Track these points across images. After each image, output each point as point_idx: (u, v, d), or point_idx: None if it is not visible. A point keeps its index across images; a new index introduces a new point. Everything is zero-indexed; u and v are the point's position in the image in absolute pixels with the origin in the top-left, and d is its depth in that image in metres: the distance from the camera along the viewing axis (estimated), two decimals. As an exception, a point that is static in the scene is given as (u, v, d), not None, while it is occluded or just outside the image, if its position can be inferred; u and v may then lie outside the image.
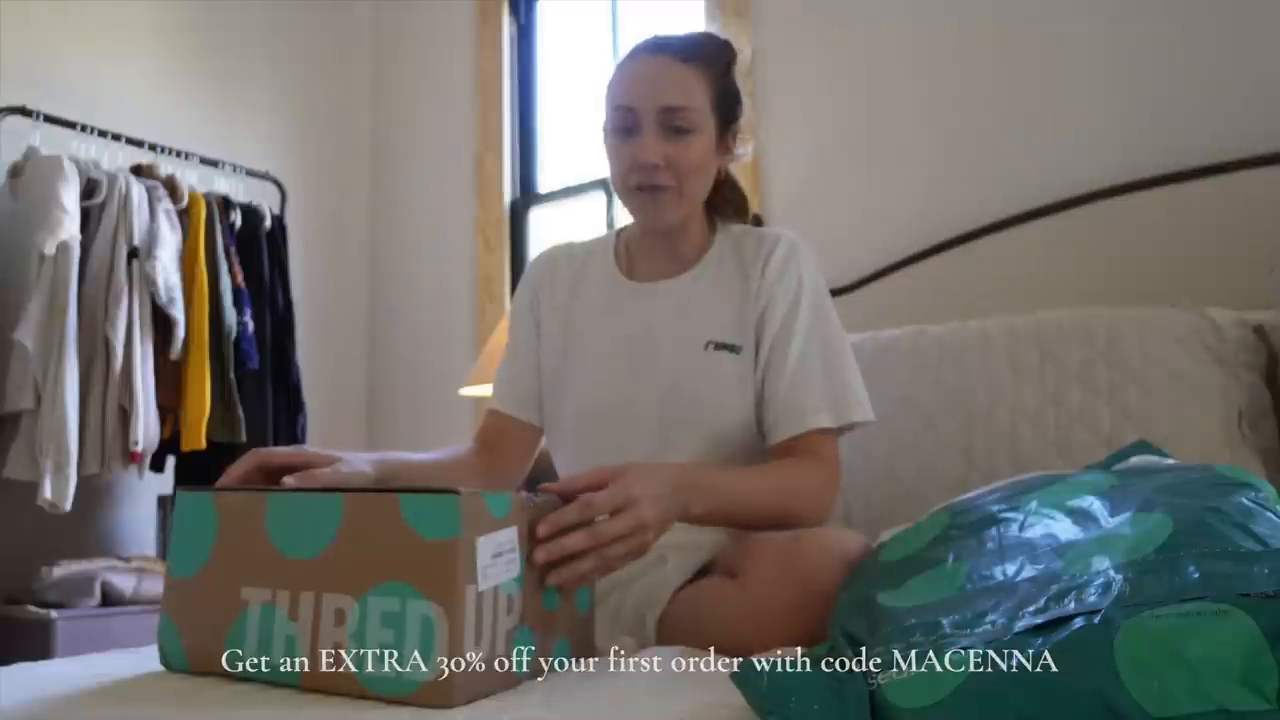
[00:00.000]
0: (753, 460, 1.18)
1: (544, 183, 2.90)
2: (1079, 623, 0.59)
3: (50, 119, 2.30)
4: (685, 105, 1.13)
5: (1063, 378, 1.43)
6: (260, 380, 2.52)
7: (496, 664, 0.75)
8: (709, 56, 1.18)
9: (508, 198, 2.87)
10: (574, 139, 2.84)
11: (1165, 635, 0.55)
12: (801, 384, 1.15)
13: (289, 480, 0.93)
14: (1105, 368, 1.40)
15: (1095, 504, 0.78)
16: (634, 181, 1.16)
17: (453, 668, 0.70)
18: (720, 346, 1.18)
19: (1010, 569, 0.71)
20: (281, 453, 0.99)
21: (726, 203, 1.31)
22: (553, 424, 1.28)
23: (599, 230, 1.37)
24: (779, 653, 0.85)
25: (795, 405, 1.14)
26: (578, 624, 0.91)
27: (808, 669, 0.67)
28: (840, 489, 1.18)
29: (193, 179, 2.51)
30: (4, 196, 2.25)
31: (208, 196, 2.47)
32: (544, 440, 1.33)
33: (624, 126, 1.15)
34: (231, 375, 2.40)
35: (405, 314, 3.09)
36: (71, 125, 2.32)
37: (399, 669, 0.71)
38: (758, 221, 2.21)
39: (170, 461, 2.41)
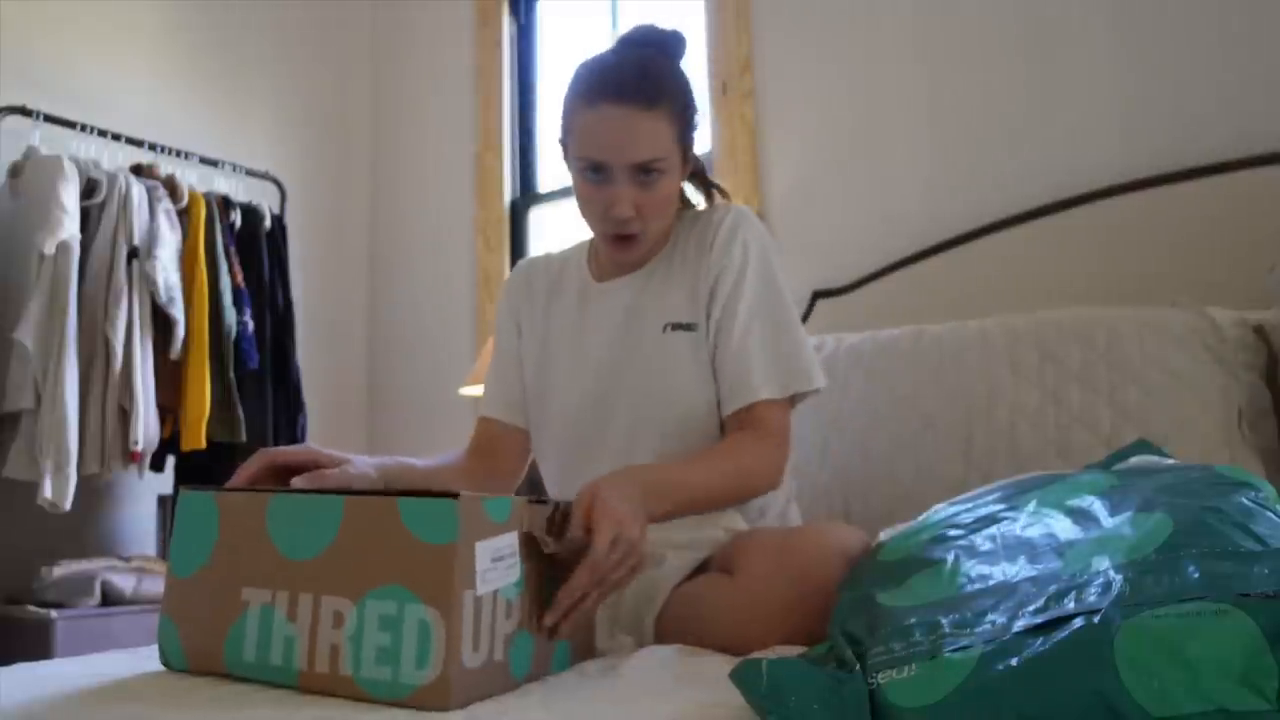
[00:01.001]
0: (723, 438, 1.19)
1: (544, 182, 2.90)
2: (1079, 622, 0.59)
3: (50, 119, 2.30)
4: (656, 156, 1.12)
5: (1062, 377, 1.43)
6: (260, 380, 2.52)
7: (494, 668, 0.75)
8: (672, 90, 1.14)
9: (507, 197, 2.87)
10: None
11: (1165, 635, 0.55)
12: (747, 356, 1.15)
13: (297, 481, 0.93)
14: (1105, 367, 1.40)
15: (1095, 504, 0.78)
16: (607, 229, 1.17)
17: (449, 672, 0.70)
18: (677, 327, 1.20)
19: (1010, 569, 0.71)
20: (289, 452, 1.00)
21: (695, 185, 1.32)
22: (537, 430, 1.31)
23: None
24: (778, 651, 0.85)
25: (742, 378, 1.15)
26: (578, 628, 0.91)
27: (807, 668, 0.67)
28: (790, 453, 1.18)
29: (192, 179, 2.51)
30: (4, 196, 2.25)
31: (207, 196, 2.47)
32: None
33: (594, 168, 1.14)
34: (231, 375, 2.40)
35: (405, 314, 3.09)
36: (71, 125, 2.32)
37: (395, 672, 0.71)
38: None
39: (170, 461, 2.41)
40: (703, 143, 1.28)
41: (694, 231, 1.25)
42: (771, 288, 1.19)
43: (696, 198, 1.34)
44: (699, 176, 1.32)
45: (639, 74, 1.13)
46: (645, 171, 1.13)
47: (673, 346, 1.19)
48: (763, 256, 1.20)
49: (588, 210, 1.19)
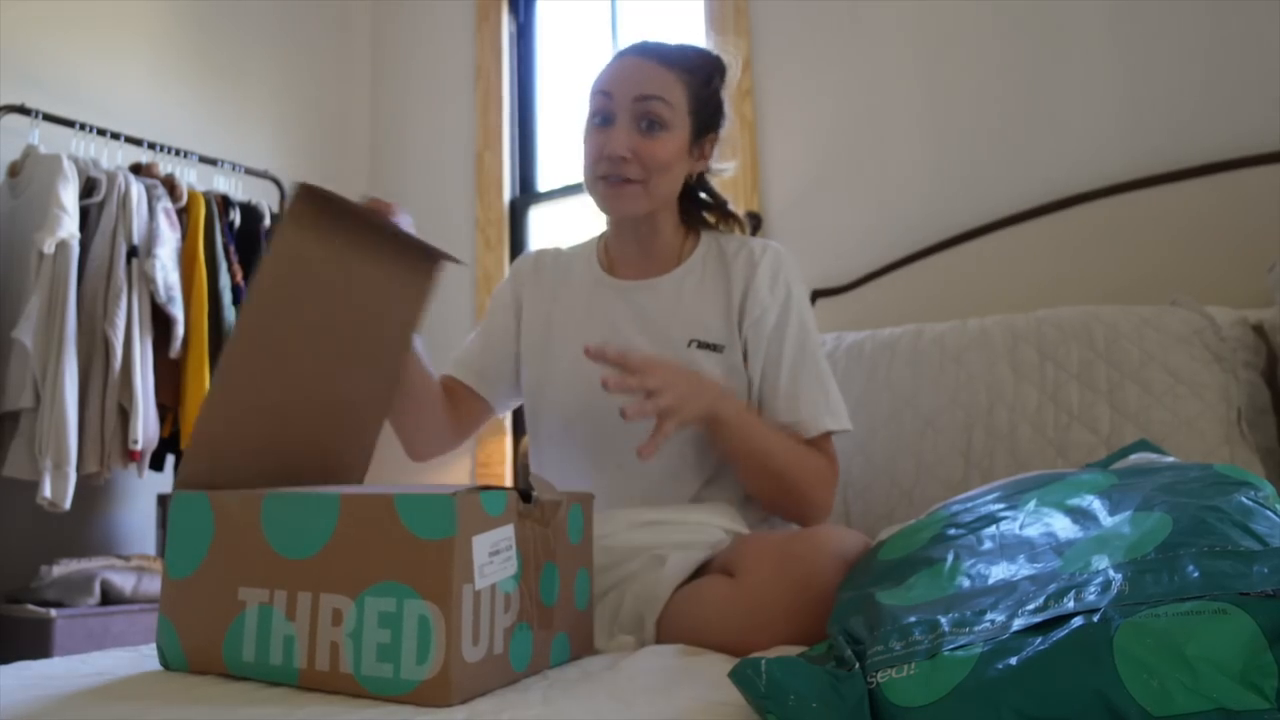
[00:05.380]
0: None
1: (543, 181, 2.90)
2: (1078, 621, 0.59)
3: (49, 117, 2.29)
4: (660, 95, 1.18)
5: (1062, 377, 1.43)
6: (260, 379, 2.51)
7: (495, 662, 0.75)
8: (692, 65, 1.23)
9: (507, 196, 2.87)
10: (574, 137, 2.83)
11: (1165, 634, 0.55)
12: (804, 391, 1.20)
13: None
14: (1105, 367, 1.40)
15: (1095, 503, 0.78)
16: (601, 170, 1.20)
17: (450, 667, 0.70)
18: (703, 345, 1.22)
19: (1010, 568, 0.71)
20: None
21: (708, 209, 1.35)
22: (534, 421, 1.31)
23: (598, 228, 1.39)
24: (778, 653, 0.85)
25: (803, 409, 1.20)
26: (577, 621, 0.91)
27: (806, 668, 0.67)
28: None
29: (192, 177, 2.51)
30: (3, 195, 2.25)
31: (207, 195, 2.47)
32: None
33: (601, 112, 1.20)
34: (231, 374, 2.39)
35: (405, 313, 3.08)
36: (70, 124, 2.32)
37: (396, 668, 0.71)
38: (756, 220, 2.22)
39: (170, 460, 2.41)
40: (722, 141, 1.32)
41: (726, 257, 1.27)
42: (813, 333, 1.25)
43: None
44: (722, 207, 1.34)
45: (663, 43, 1.24)
46: (648, 121, 1.18)
47: (696, 362, 1.21)
48: (804, 300, 1.26)
49: (586, 158, 1.23)
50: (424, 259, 1.09)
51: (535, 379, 1.30)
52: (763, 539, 1.05)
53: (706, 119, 1.25)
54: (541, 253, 1.40)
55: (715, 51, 1.28)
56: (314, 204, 0.91)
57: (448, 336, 2.92)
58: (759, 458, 1.13)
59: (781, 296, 1.23)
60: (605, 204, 1.24)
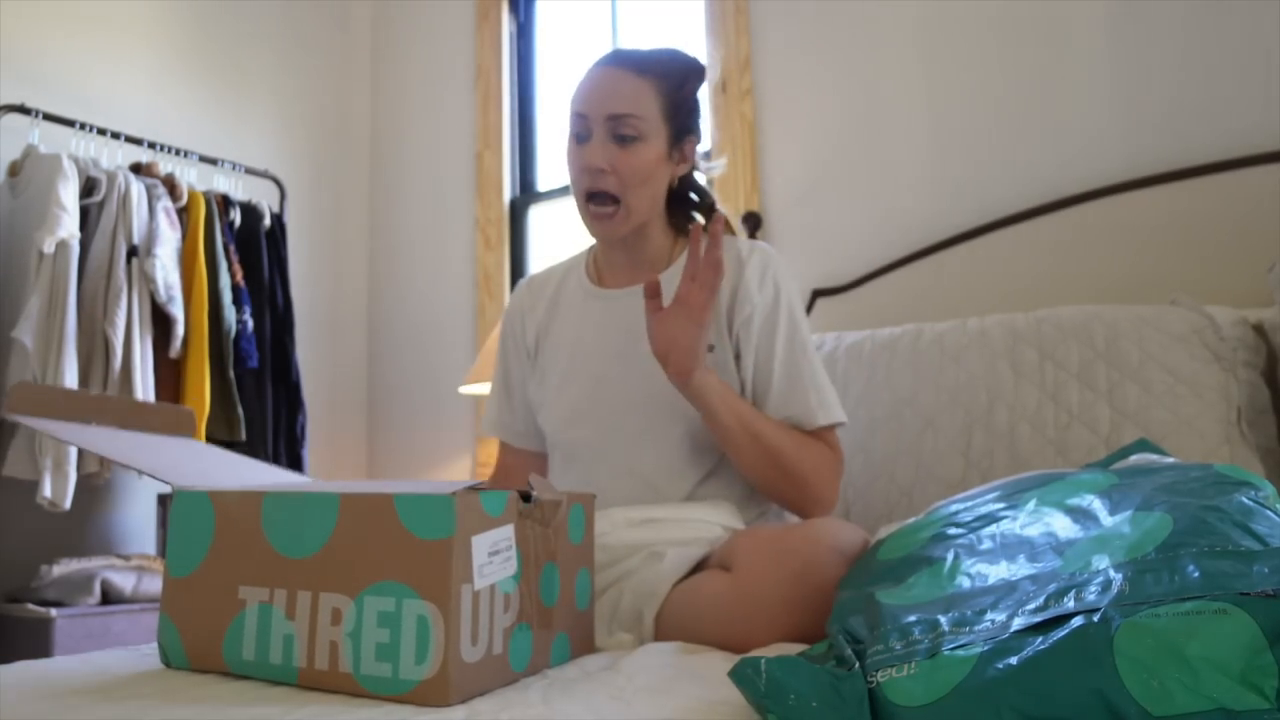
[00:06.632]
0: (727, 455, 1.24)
1: (543, 181, 2.90)
2: (1078, 621, 0.59)
3: (49, 117, 2.29)
4: (632, 113, 1.18)
5: (1062, 376, 1.43)
6: (260, 378, 2.52)
7: (494, 662, 0.75)
8: (664, 71, 1.22)
9: (507, 196, 2.87)
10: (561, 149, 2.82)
11: (1165, 634, 0.55)
12: (797, 386, 1.21)
13: None
14: (1105, 366, 1.40)
15: (1095, 502, 0.78)
16: (584, 186, 1.22)
17: (448, 666, 0.70)
18: None
19: (1010, 567, 0.71)
20: None
21: (696, 209, 1.35)
22: (542, 424, 1.34)
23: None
24: (777, 649, 0.85)
25: (797, 404, 1.20)
26: (577, 620, 0.91)
27: (806, 667, 0.67)
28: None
29: (192, 177, 2.51)
30: (3, 195, 2.25)
31: (207, 195, 2.47)
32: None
33: (578, 131, 1.22)
34: (231, 373, 2.40)
35: (405, 312, 3.09)
36: (70, 123, 2.32)
37: (395, 668, 0.71)
38: (756, 221, 2.22)
39: (170, 460, 2.41)
40: (703, 143, 1.31)
41: None
42: (804, 329, 1.26)
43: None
44: (709, 206, 1.35)
45: (637, 50, 1.23)
46: (622, 135, 1.19)
47: None
48: (793, 297, 1.27)
49: (571, 176, 1.24)
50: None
51: (538, 390, 1.34)
52: (759, 533, 1.05)
53: (683, 122, 1.25)
54: (532, 278, 1.44)
55: (692, 55, 1.28)
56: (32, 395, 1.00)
57: (449, 336, 2.93)
58: (754, 439, 1.14)
59: (770, 294, 1.24)
60: (592, 230, 1.26)
